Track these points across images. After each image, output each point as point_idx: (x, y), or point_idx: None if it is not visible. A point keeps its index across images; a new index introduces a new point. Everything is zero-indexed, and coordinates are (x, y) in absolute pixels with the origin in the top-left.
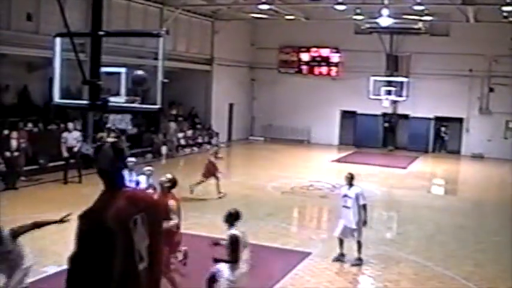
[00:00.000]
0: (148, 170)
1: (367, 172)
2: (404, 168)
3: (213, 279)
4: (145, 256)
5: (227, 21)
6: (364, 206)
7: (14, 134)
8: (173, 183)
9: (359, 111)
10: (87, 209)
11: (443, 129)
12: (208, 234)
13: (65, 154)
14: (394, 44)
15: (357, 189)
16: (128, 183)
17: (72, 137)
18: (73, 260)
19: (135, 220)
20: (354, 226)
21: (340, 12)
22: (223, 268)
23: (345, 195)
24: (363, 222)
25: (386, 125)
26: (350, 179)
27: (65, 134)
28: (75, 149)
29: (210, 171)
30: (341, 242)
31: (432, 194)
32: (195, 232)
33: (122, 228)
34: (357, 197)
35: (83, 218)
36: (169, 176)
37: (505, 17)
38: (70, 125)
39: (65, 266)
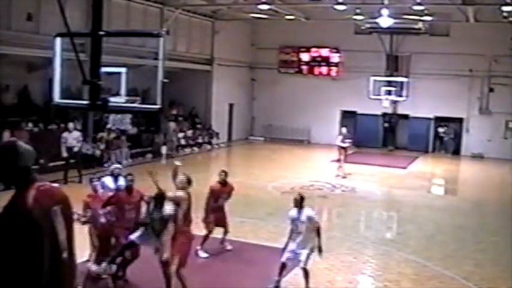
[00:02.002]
0: (117, 169)
1: (367, 172)
2: (404, 168)
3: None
4: (65, 246)
5: (227, 21)
6: (318, 230)
7: (7, 134)
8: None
9: (359, 111)
10: (6, 204)
11: (445, 129)
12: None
13: (65, 154)
14: (394, 44)
15: (308, 211)
16: (111, 190)
17: (72, 137)
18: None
19: (54, 210)
20: (303, 252)
21: (340, 12)
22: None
23: (296, 219)
24: (318, 249)
25: (386, 125)
26: (300, 202)
27: (65, 134)
28: (75, 149)
29: (341, 154)
30: (283, 266)
31: (432, 194)
32: (195, 232)
33: (45, 216)
34: (309, 220)
35: (5, 211)
36: (183, 178)
37: (505, 17)
38: (70, 125)
39: None
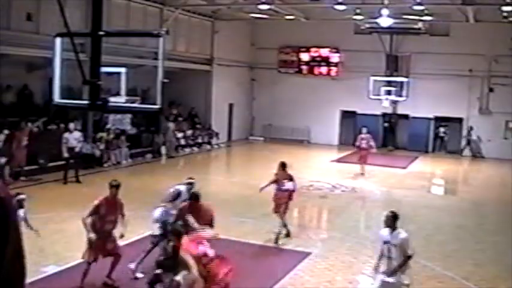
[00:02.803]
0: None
1: (367, 172)
2: (404, 168)
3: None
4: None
5: (227, 21)
6: (409, 258)
7: (2, 136)
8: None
9: (359, 111)
10: None
11: (445, 129)
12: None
13: (66, 154)
14: (394, 44)
15: (402, 234)
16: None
17: (73, 138)
18: None
19: (15, 202)
20: (395, 280)
21: (340, 12)
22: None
23: (387, 242)
24: (393, 271)
25: (386, 125)
26: (392, 220)
27: (66, 135)
28: (77, 149)
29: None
30: None
31: (432, 194)
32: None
33: (11, 201)
34: (401, 245)
35: None
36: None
37: (505, 17)
38: (71, 125)
39: (65, 266)
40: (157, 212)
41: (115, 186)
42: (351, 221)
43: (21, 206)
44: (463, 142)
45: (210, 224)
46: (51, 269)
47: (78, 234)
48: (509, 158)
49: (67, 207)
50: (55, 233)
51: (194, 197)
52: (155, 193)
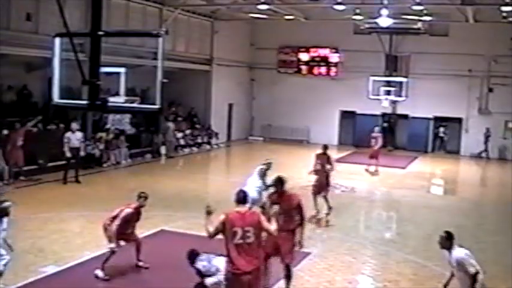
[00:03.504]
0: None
1: (367, 171)
2: (403, 168)
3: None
4: None
5: (226, 21)
6: (475, 277)
7: None
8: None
9: (358, 111)
10: None
11: (443, 129)
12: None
13: (68, 154)
14: (393, 44)
15: (458, 252)
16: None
17: (76, 138)
18: None
19: None
20: None
21: (339, 12)
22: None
23: (450, 263)
24: None
25: (385, 125)
26: (446, 240)
27: (68, 135)
28: (81, 151)
29: (374, 156)
30: None
31: (431, 194)
32: (195, 232)
33: None
34: (459, 264)
35: None
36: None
37: (505, 17)
38: (73, 125)
39: (65, 266)
40: (254, 193)
41: (144, 198)
42: (351, 221)
43: (6, 214)
44: (482, 145)
45: (297, 211)
46: (51, 269)
47: (77, 234)
48: (509, 158)
49: (67, 207)
50: (54, 233)
51: (279, 182)
52: (155, 193)
